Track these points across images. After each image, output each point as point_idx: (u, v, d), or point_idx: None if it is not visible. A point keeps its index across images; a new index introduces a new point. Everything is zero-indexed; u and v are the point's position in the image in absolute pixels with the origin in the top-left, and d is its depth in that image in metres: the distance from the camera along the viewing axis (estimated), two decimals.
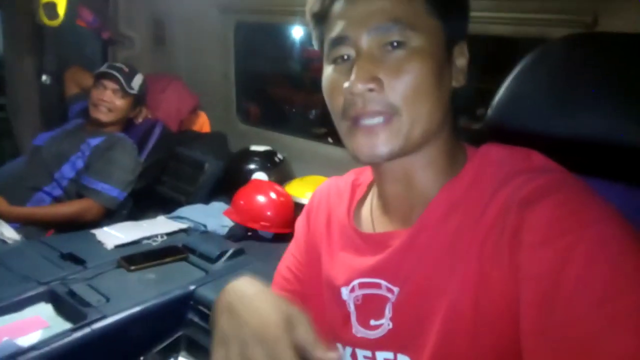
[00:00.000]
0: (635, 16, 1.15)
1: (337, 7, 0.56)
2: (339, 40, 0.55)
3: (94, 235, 1.46)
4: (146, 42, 2.33)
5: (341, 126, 0.57)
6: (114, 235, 1.45)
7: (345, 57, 0.55)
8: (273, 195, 1.61)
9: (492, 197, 0.52)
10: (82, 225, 1.59)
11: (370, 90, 0.52)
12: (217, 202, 1.81)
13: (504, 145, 0.58)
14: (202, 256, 1.36)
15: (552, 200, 0.47)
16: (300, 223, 0.75)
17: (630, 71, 0.65)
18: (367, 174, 0.70)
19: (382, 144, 0.54)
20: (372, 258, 0.60)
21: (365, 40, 0.53)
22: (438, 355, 0.53)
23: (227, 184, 1.86)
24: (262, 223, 1.55)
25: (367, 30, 0.53)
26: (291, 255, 0.76)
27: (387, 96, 0.53)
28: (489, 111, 0.75)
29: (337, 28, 0.55)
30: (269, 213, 1.57)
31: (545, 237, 0.45)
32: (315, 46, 0.62)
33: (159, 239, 1.46)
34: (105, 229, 1.50)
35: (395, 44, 0.53)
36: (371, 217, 0.65)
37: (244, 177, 1.79)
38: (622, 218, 0.46)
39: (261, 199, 1.59)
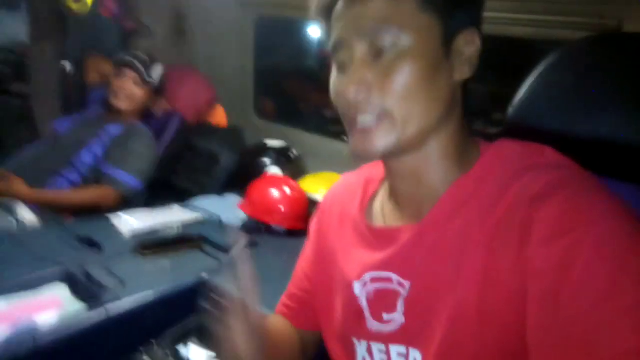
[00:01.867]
0: None
1: (336, 11, 0.57)
2: (338, 45, 0.56)
3: (110, 220, 1.49)
4: (166, 33, 2.35)
5: (345, 127, 0.59)
6: (131, 222, 1.47)
7: (346, 60, 0.56)
8: (287, 190, 1.61)
9: (502, 192, 0.52)
10: (99, 211, 1.61)
11: (361, 93, 0.54)
12: (230, 195, 1.83)
13: (518, 141, 0.57)
14: (216, 246, 1.38)
15: (561, 196, 0.47)
16: (313, 222, 0.78)
17: None
18: (379, 170, 0.70)
19: (375, 142, 0.55)
20: (383, 252, 0.61)
21: (357, 45, 0.54)
22: (445, 350, 0.53)
23: (241, 177, 1.87)
24: (276, 217, 1.56)
25: (359, 34, 0.54)
26: (305, 254, 0.78)
27: (378, 99, 0.54)
28: (510, 109, 0.75)
29: (336, 31, 0.56)
30: (282, 207, 1.58)
31: (553, 234, 0.46)
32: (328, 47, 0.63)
33: (175, 228, 1.48)
34: (122, 215, 1.53)
35: (386, 46, 0.53)
36: (382, 212, 0.65)
37: (258, 171, 1.80)
38: (632, 215, 0.46)
39: (275, 193, 1.60)
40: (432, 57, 0.54)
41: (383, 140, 0.55)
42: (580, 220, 0.45)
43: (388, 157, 0.58)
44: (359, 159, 0.58)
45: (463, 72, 0.56)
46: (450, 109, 0.57)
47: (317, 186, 1.71)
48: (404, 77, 0.53)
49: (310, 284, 0.75)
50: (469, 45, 0.56)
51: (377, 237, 0.63)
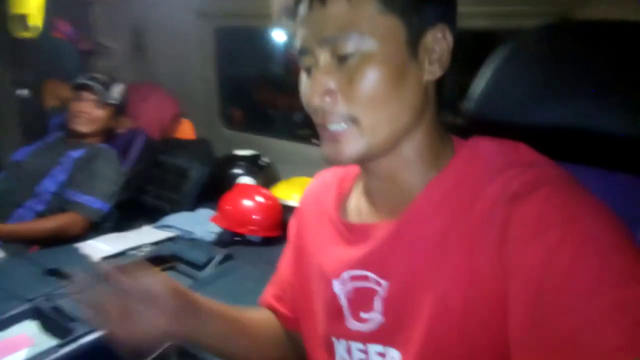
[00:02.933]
0: (610, 6, 1.16)
1: (299, 16, 0.55)
2: (301, 52, 0.55)
3: (78, 249, 1.44)
4: (126, 51, 2.31)
5: (317, 131, 0.59)
6: (99, 247, 1.43)
7: (311, 67, 0.55)
8: (259, 198, 1.60)
9: (481, 191, 0.51)
10: (67, 239, 1.56)
11: (327, 102, 0.53)
12: (203, 209, 1.80)
13: (492, 139, 0.57)
14: (190, 264, 1.35)
15: (540, 194, 0.47)
16: (292, 223, 0.77)
17: (605, 58, 0.65)
18: (354, 166, 0.69)
19: (346, 149, 0.54)
20: (359, 249, 0.60)
21: (319, 52, 0.53)
22: (427, 350, 0.53)
23: (213, 190, 1.84)
24: (250, 227, 1.54)
25: (319, 42, 0.52)
26: (285, 256, 0.77)
27: (343, 106, 0.53)
28: (466, 104, 0.75)
29: (298, 38, 0.55)
30: (256, 217, 1.56)
31: (534, 232, 0.45)
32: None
33: (146, 249, 1.44)
34: (90, 241, 1.48)
35: (348, 53, 0.51)
36: (358, 209, 0.65)
37: (230, 183, 1.78)
38: (610, 211, 0.46)
39: (247, 203, 1.58)
40: (398, 60, 0.52)
41: (352, 146, 0.54)
42: (560, 219, 0.45)
43: (361, 161, 0.57)
44: (332, 164, 0.57)
45: (433, 71, 0.54)
46: (422, 111, 0.56)
47: (290, 192, 1.70)
48: (368, 83, 0.51)
49: (290, 286, 0.74)
50: (439, 43, 0.54)
51: (352, 233, 0.62)
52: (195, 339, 0.65)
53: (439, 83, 0.57)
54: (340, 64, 0.52)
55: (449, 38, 0.54)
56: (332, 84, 0.52)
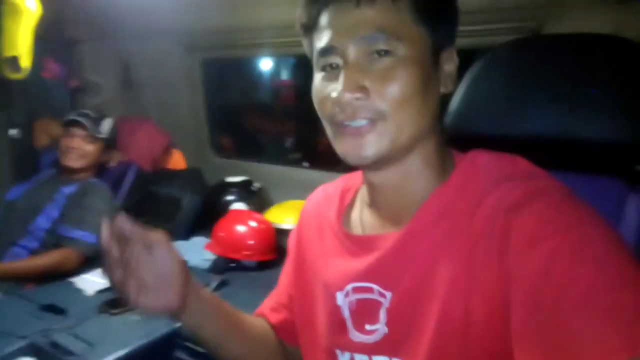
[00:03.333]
0: (578, 20, 1.21)
1: (325, 18, 0.57)
2: (327, 50, 0.57)
3: (73, 283, 1.44)
4: (114, 86, 2.34)
5: (330, 130, 0.60)
6: (94, 281, 1.43)
7: (334, 65, 0.57)
8: (253, 223, 1.61)
9: (480, 202, 0.53)
10: (62, 275, 1.56)
11: (358, 98, 0.54)
12: (197, 237, 1.81)
13: (490, 152, 0.60)
14: None
15: (537, 205, 0.49)
16: (291, 237, 0.77)
17: (574, 69, 0.68)
18: (355, 179, 0.71)
19: (369, 145, 0.55)
20: (363, 261, 0.61)
21: (352, 50, 0.55)
22: (432, 359, 0.53)
23: (206, 218, 1.85)
24: (244, 252, 1.55)
25: (354, 40, 0.54)
26: (285, 270, 0.78)
27: (374, 103, 0.54)
28: (446, 119, 0.78)
29: (325, 38, 0.56)
30: (250, 242, 1.57)
31: (532, 241, 0.47)
32: (307, 54, 0.64)
33: None
34: (85, 275, 1.48)
35: (381, 52, 0.54)
36: (361, 221, 0.66)
37: (223, 210, 1.79)
38: (604, 220, 0.48)
39: (241, 228, 1.59)
40: (426, 67, 0.56)
41: (376, 144, 0.55)
42: (557, 227, 0.47)
43: (374, 165, 0.58)
44: (349, 162, 0.58)
45: (447, 85, 0.59)
46: (436, 120, 0.59)
47: (283, 215, 1.71)
48: (400, 82, 0.54)
49: (289, 298, 0.75)
50: (449, 62, 0.59)
51: (357, 245, 0.63)
52: (195, 325, 0.64)
53: (443, 102, 0.61)
54: (371, 63, 0.55)
55: (456, 60, 0.60)
56: (365, 80, 0.54)
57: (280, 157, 2.09)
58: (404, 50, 0.54)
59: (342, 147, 0.57)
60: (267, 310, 0.78)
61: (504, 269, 0.48)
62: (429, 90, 0.56)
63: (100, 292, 1.37)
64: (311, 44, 0.61)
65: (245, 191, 1.91)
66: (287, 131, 2.68)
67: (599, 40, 0.69)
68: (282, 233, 1.64)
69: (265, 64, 2.67)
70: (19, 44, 1.50)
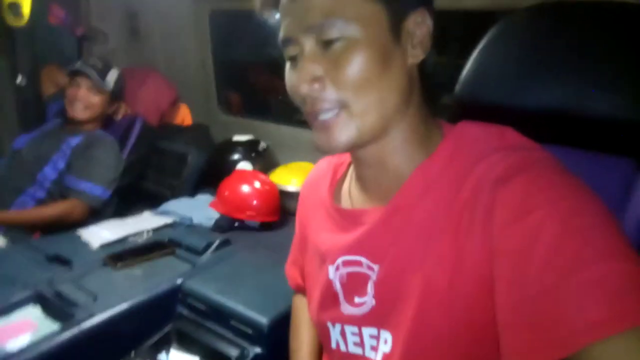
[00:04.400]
0: None
1: (281, 6, 0.56)
2: (285, 42, 0.56)
3: (79, 235, 1.46)
4: (121, 35, 2.30)
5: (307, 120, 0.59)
6: (99, 234, 1.45)
7: (294, 56, 0.56)
8: (257, 184, 1.60)
9: (467, 175, 0.52)
10: (68, 225, 1.58)
11: (315, 89, 0.53)
12: (202, 195, 1.81)
13: (479, 123, 0.58)
14: (189, 249, 1.37)
15: (523, 177, 0.48)
16: (298, 209, 0.79)
17: (594, 39, 0.65)
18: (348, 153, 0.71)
19: (336, 137, 0.54)
20: (351, 234, 0.61)
21: (304, 40, 0.54)
22: (415, 331, 0.54)
23: (212, 175, 1.85)
24: (248, 213, 1.56)
25: (304, 29, 0.53)
26: (295, 239, 0.81)
27: (332, 92, 0.53)
28: (457, 87, 0.75)
29: (282, 29, 0.56)
30: (254, 202, 1.57)
31: (517, 214, 0.46)
32: None
33: (145, 235, 1.46)
34: (91, 228, 1.50)
35: (333, 39, 0.52)
36: (350, 195, 0.66)
37: (228, 168, 1.78)
38: (592, 192, 0.47)
39: (246, 188, 1.59)
40: (382, 45, 0.53)
41: (344, 133, 0.54)
42: (543, 200, 0.46)
43: (352, 148, 0.57)
44: (325, 153, 0.58)
45: (416, 55, 0.55)
46: (409, 94, 0.56)
47: (289, 177, 1.70)
48: (355, 67, 0.52)
49: (300, 268, 0.78)
50: (419, 27, 0.55)
51: (345, 219, 0.63)
52: None
53: (422, 67, 0.58)
54: (325, 50, 0.53)
55: (429, 22, 0.55)
56: (319, 70, 0.53)
57: (288, 117, 2.05)
58: (356, 32, 0.52)
59: (314, 138, 0.57)
60: (302, 281, 0.80)
61: (490, 241, 0.48)
62: (390, 68, 0.53)
63: (105, 245, 1.39)
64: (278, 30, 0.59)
65: (251, 150, 1.89)
66: None
67: (620, 10, 0.65)
68: (286, 195, 1.64)
69: (276, 19, 2.58)
70: None
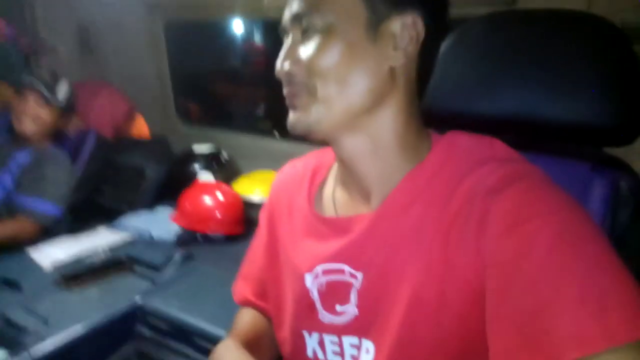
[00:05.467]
0: None
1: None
2: (282, 31, 0.59)
3: (29, 255, 1.37)
4: (72, 49, 2.21)
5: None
6: (51, 253, 1.37)
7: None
8: (220, 195, 1.56)
9: (457, 185, 0.52)
10: (17, 245, 1.48)
11: (288, 73, 0.56)
12: (162, 208, 1.75)
13: (468, 133, 0.58)
14: (148, 265, 1.31)
15: (515, 189, 0.48)
16: (262, 215, 0.75)
17: (548, 46, 0.66)
18: (328, 156, 0.70)
19: (302, 118, 0.56)
20: (335, 243, 0.60)
21: (291, 29, 0.57)
22: (401, 341, 0.53)
23: (173, 188, 1.78)
24: (211, 225, 1.51)
25: (292, 21, 0.56)
26: (256, 243, 0.76)
27: (303, 77, 0.55)
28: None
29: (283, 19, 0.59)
30: (217, 214, 1.52)
31: (509, 225, 0.46)
32: None
33: (101, 253, 1.39)
34: (42, 247, 1.42)
35: (309, 28, 0.55)
36: (333, 201, 0.64)
37: (189, 180, 1.72)
38: (580, 206, 0.48)
39: (208, 200, 1.55)
40: (354, 40, 0.53)
41: (309, 116, 0.55)
42: (534, 212, 0.46)
43: (318, 134, 0.57)
44: (292, 133, 0.58)
45: (396, 58, 0.54)
46: (383, 96, 0.55)
47: (252, 187, 1.67)
48: (323, 55, 0.53)
49: (266, 279, 0.72)
50: (407, 30, 0.54)
51: (329, 227, 0.62)
52: None
53: (414, 73, 0.57)
54: (304, 39, 0.55)
55: (419, 28, 0.55)
56: (295, 55, 0.55)
57: (250, 125, 2.02)
58: (331, 22, 0.53)
59: (288, 120, 0.59)
60: (254, 298, 0.75)
61: (482, 252, 0.48)
62: (361, 65, 0.54)
63: (57, 264, 1.31)
64: None
65: (212, 161, 1.85)
66: (258, 99, 2.61)
67: (572, 18, 0.67)
68: (250, 206, 1.60)
69: (235, 28, 2.56)
70: None
